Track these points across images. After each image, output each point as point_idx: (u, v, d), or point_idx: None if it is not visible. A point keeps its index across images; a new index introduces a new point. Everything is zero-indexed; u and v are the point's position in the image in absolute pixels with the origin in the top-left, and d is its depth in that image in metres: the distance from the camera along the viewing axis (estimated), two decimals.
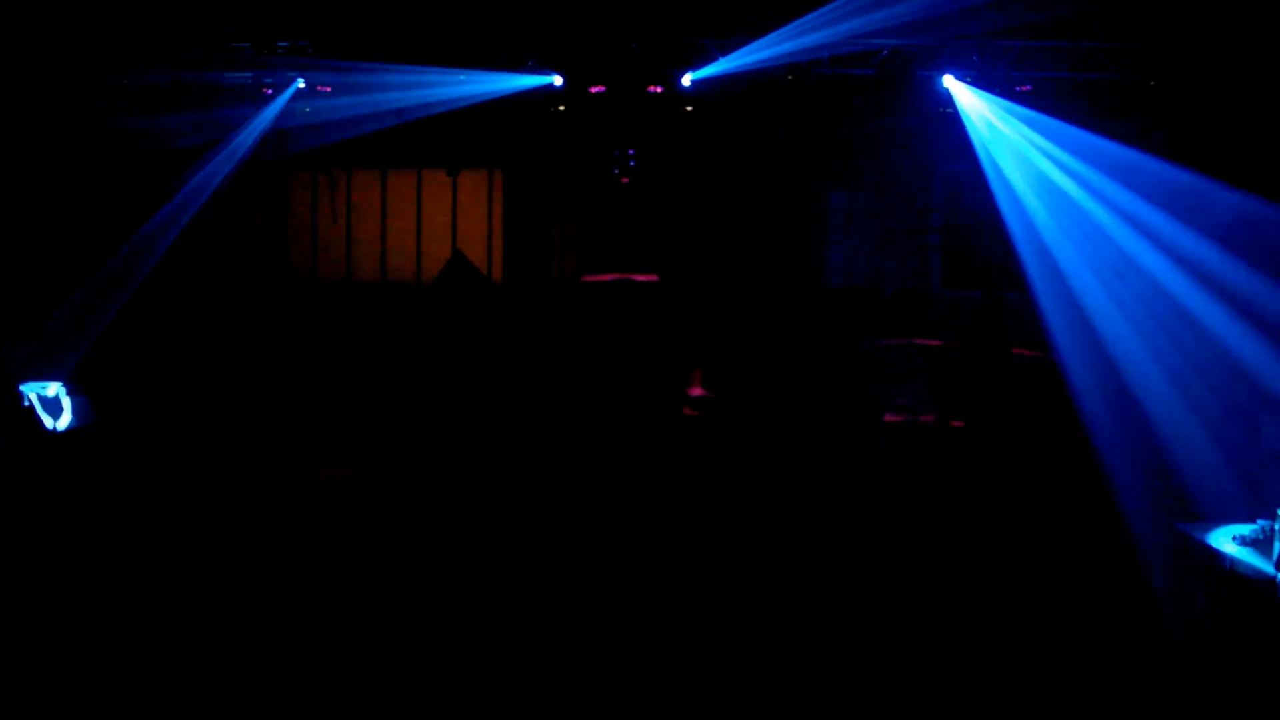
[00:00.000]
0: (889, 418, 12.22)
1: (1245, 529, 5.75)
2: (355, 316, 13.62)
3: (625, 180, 12.98)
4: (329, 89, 12.30)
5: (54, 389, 10.74)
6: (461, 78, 12.05)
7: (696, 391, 12.40)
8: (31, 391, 10.77)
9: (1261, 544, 5.53)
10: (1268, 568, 5.17)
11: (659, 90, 12.28)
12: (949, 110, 12.22)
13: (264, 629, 6.49)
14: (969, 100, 11.76)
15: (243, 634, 6.38)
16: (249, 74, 12.22)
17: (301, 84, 12.15)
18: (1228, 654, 5.38)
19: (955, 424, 12.16)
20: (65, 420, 10.81)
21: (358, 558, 8.38)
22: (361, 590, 7.40)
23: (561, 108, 12.39)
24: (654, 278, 12.48)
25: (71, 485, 10.45)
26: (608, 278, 12.50)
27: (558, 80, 12.12)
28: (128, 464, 11.27)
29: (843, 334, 12.98)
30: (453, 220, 14.06)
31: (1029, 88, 11.77)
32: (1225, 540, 5.68)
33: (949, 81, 11.74)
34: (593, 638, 6.39)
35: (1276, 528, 5.34)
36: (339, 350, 13.27)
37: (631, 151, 12.69)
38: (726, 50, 11.95)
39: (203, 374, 12.54)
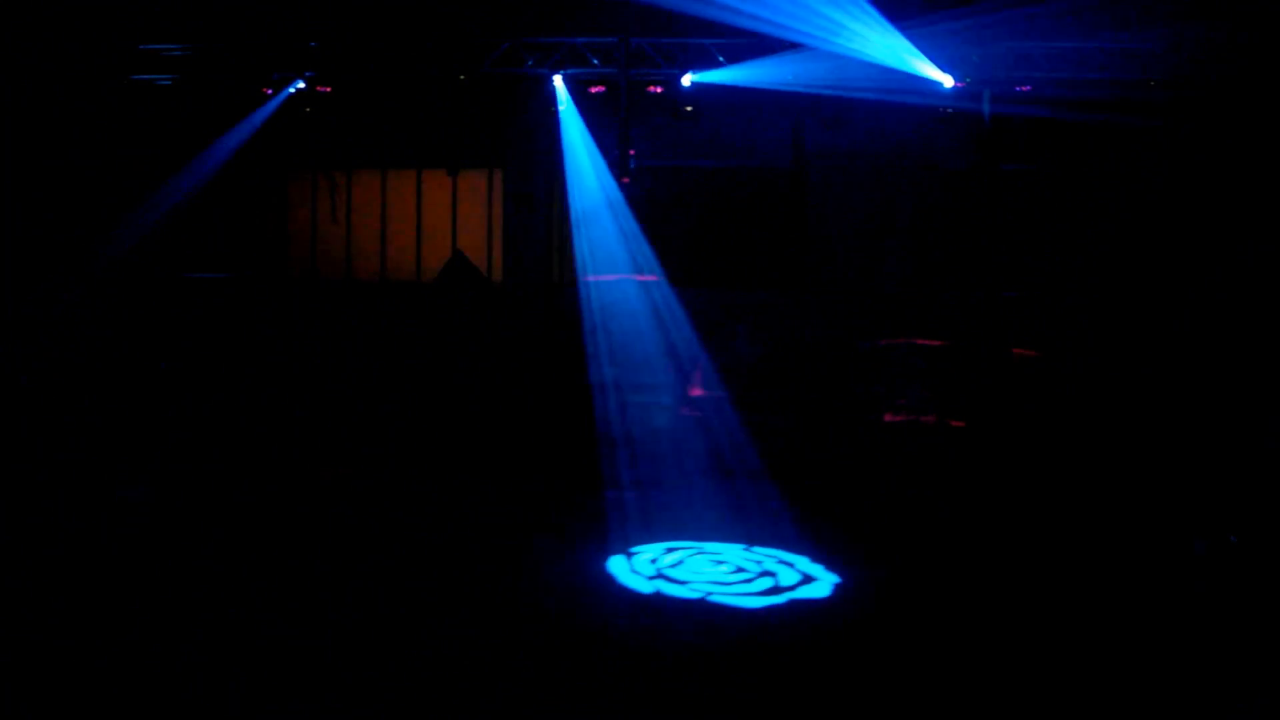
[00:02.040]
0: (889, 418, 12.22)
1: None
2: (355, 316, 13.61)
3: (625, 180, 12.97)
4: (329, 89, 12.31)
5: None
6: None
7: (696, 391, 12.39)
8: None
9: None
10: None
11: (659, 90, 12.30)
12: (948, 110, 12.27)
13: (263, 628, 6.49)
14: None
15: (240, 633, 6.39)
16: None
17: (301, 85, 12.15)
18: (1232, 653, 5.39)
19: (955, 424, 12.16)
20: None
21: (357, 556, 8.39)
22: (360, 589, 7.40)
23: (561, 108, 12.39)
24: (654, 278, 12.47)
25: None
26: (608, 278, 12.48)
27: (557, 80, 12.14)
28: (123, 463, 11.29)
29: (842, 333, 12.98)
30: (453, 220, 14.06)
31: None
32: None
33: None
34: (590, 638, 6.39)
35: None
36: (339, 350, 13.27)
37: (632, 152, 12.68)
38: (728, 51, 12.00)
39: (202, 372, 12.54)
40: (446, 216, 14.08)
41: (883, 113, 12.75)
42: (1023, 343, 12.17)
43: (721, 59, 12.03)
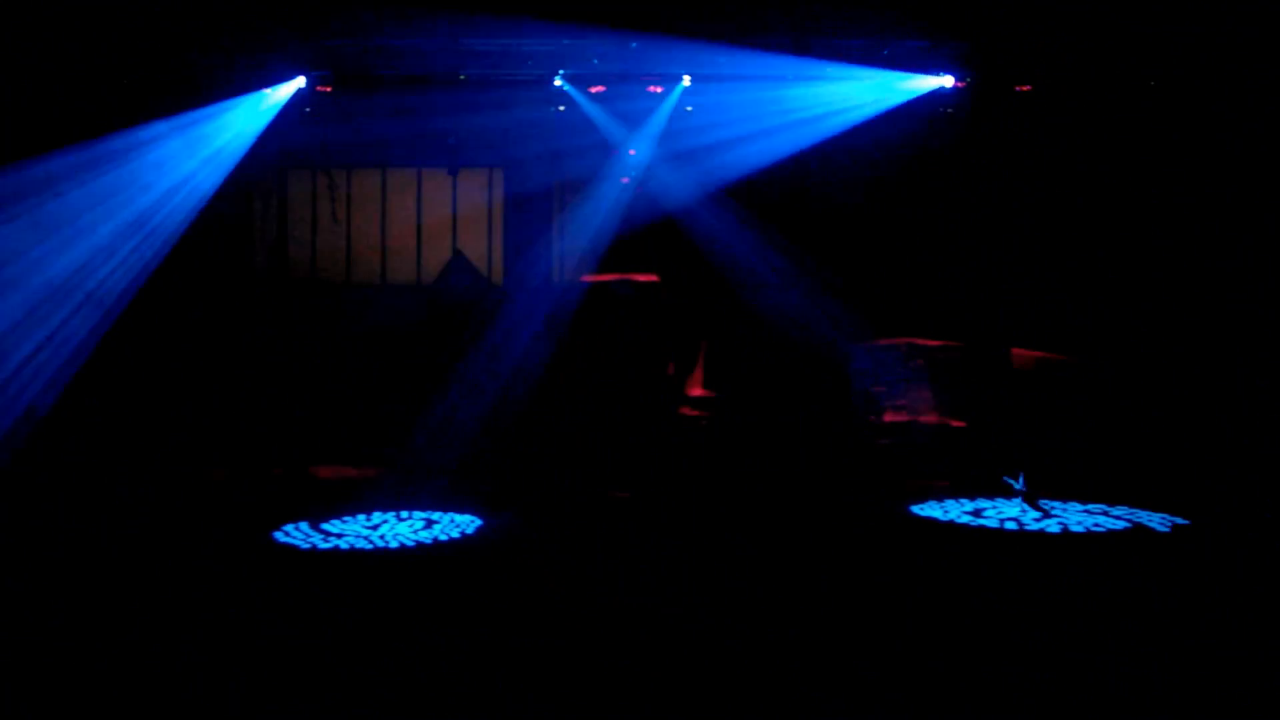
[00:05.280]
0: (889, 418, 12.22)
1: None
2: (355, 316, 13.60)
3: (625, 180, 12.98)
4: (329, 89, 12.29)
5: None
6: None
7: (696, 391, 12.39)
8: None
9: None
10: None
11: (659, 90, 12.30)
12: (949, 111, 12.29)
13: (263, 627, 6.50)
14: None
15: (240, 632, 6.39)
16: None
17: (303, 82, 12.13)
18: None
19: (955, 424, 12.16)
20: None
21: (358, 557, 8.39)
22: (359, 589, 7.41)
23: (563, 108, 12.40)
24: (654, 278, 12.48)
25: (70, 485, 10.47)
26: (608, 278, 12.50)
27: (558, 80, 12.15)
28: (123, 464, 11.29)
29: (842, 334, 12.98)
30: (453, 220, 14.05)
31: None
32: None
33: None
34: (589, 638, 6.38)
35: None
36: (338, 350, 13.26)
37: (632, 151, 12.69)
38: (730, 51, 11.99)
39: (202, 374, 12.53)
40: (446, 216, 14.07)
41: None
42: (1023, 343, 12.18)
43: (723, 59, 12.02)
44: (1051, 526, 9.44)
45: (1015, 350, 12.17)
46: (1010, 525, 9.56)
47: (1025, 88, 12.02)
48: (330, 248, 14.16)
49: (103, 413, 11.79)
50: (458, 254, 13.28)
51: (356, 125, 13.28)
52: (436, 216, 14.08)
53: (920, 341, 12.53)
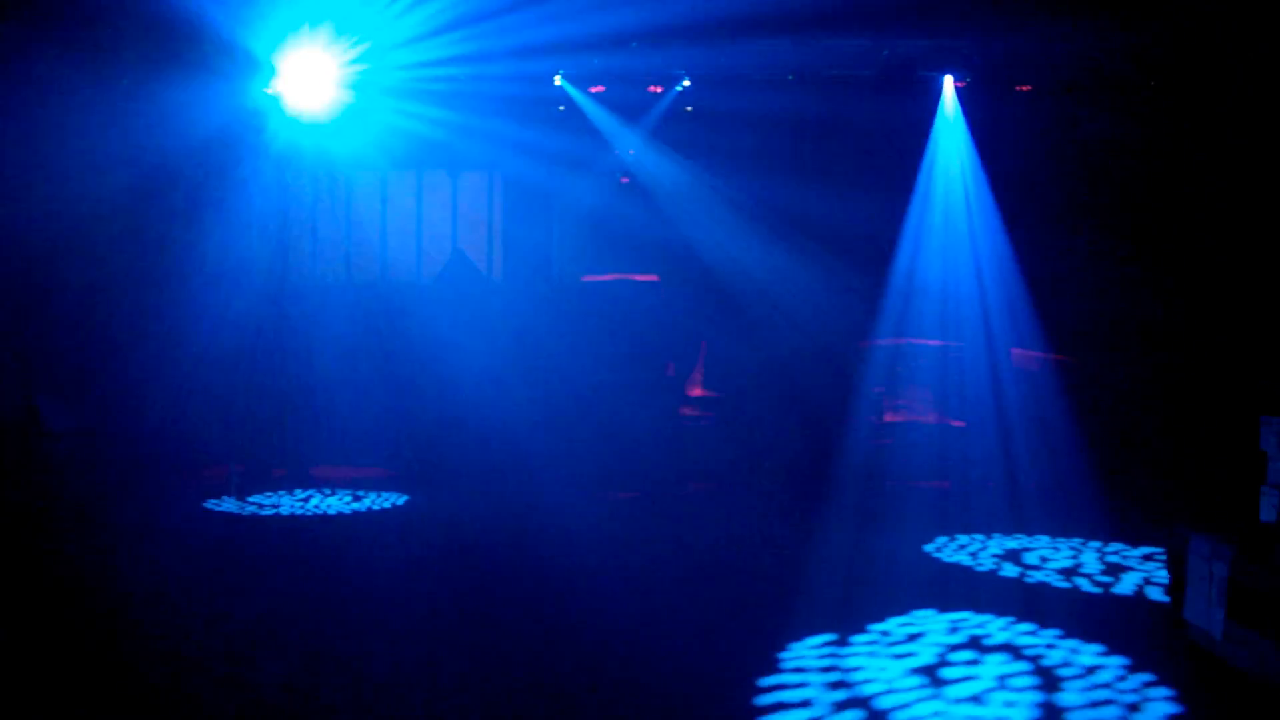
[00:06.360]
0: (889, 418, 12.22)
1: None
2: (355, 317, 13.58)
3: (625, 180, 12.98)
4: None
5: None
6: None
7: (696, 391, 12.39)
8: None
9: None
10: None
11: (659, 90, 12.30)
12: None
13: (263, 629, 6.51)
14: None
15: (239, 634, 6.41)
16: None
17: None
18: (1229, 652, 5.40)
19: (955, 424, 12.16)
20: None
21: (360, 557, 8.40)
22: (360, 589, 7.42)
23: (561, 108, 12.39)
24: (654, 278, 12.47)
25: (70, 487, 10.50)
26: (608, 278, 12.49)
27: (558, 80, 12.15)
28: (124, 465, 11.32)
29: (844, 333, 12.98)
30: (453, 220, 14.05)
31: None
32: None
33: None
34: (586, 639, 6.39)
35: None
36: (338, 351, 13.25)
37: (632, 151, 12.69)
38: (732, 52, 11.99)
39: (201, 375, 12.53)
40: (446, 217, 14.07)
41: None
42: (1022, 342, 12.17)
43: (724, 60, 12.02)
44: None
45: (1015, 350, 12.17)
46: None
47: (1025, 87, 12.02)
48: (330, 248, 14.16)
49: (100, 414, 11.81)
50: (458, 253, 13.27)
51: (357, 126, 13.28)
52: (436, 216, 14.08)
53: (921, 341, 12.53)
